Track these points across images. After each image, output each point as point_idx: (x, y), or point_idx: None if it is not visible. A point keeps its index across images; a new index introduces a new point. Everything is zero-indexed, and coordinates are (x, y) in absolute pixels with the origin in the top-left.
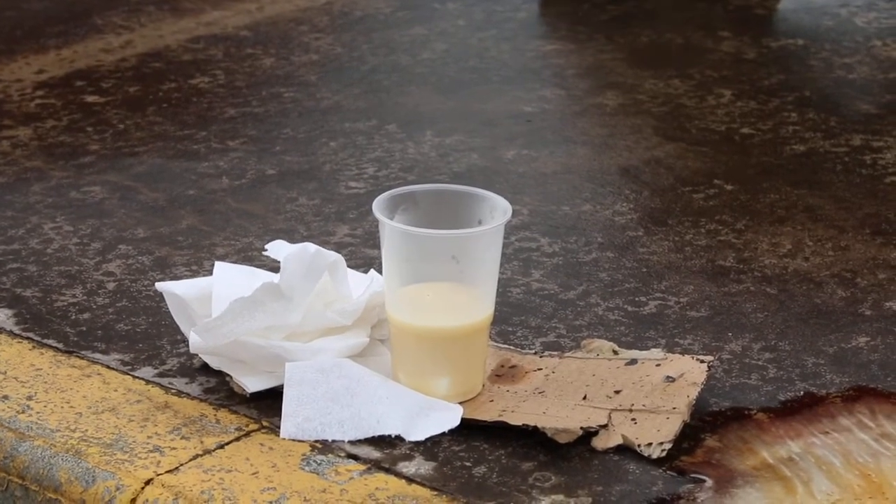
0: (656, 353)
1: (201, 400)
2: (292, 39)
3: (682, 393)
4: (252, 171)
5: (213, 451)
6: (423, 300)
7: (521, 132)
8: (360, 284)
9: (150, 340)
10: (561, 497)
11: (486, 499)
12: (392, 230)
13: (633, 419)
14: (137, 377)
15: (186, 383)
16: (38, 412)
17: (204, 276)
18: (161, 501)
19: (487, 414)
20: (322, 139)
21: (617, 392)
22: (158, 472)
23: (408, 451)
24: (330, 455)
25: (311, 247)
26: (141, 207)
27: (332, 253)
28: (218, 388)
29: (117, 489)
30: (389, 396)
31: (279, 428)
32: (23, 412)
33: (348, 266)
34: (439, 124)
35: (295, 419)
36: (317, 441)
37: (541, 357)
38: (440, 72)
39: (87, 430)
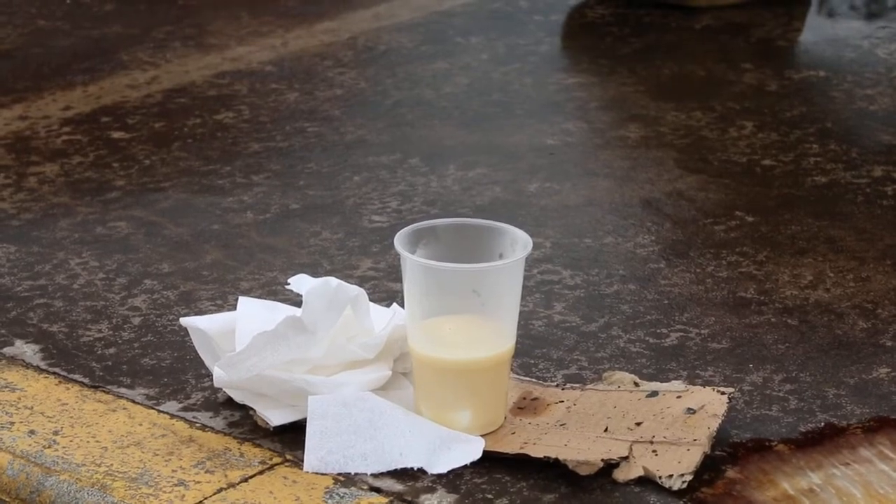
0: (677, 385)
1: (225, 434)
2: (316, 74)
3: (702, 424)
4: (276, 206)
5: (238, 484)
6: (444, 333)
7: (543, 165)
8: (383, 318)
9: (174, 375)
10: None
11: None
12: (413, 264)
13: (654, 451)
14: (162, 411)
15: (211, 417)
16: (64, 447)
17: (228, 310)
18: None
19: (509, 446)
20: (346, 173)
21: (638, 424)
22: None
23: (430, 484)
24: (353, 488)
25: (333, 281)
26: (166, 242)
27: (355, 287)
28: (242, 421)
29: None
30: (412, 429)
31: (302, 461)
32: (49, 447)
33: (371, 300)
34: (462, 158)
35: (318, 452)
36: (340, 474)
37: (562, 389)
38: (463, 105)
39: (112, 465)
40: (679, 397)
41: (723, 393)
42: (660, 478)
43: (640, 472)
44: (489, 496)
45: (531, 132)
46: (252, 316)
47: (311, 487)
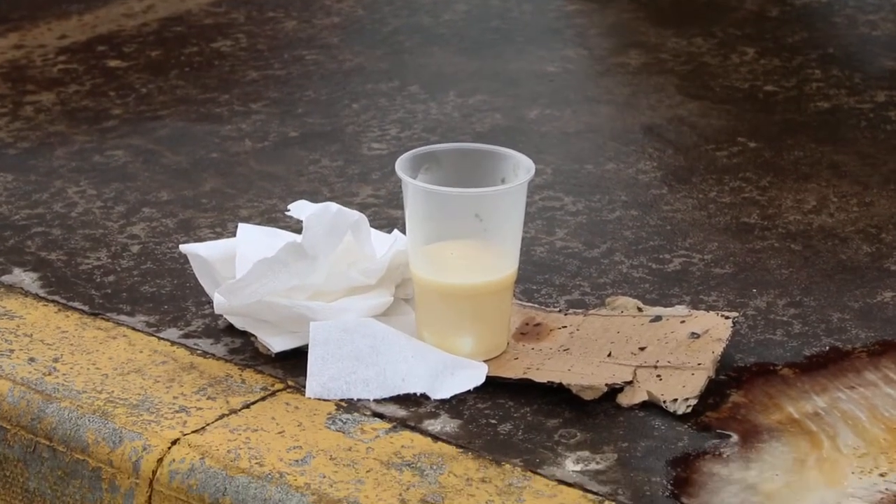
0: (681, 309)
1: (226, 360)
2: (314, 2)
3: (707, 349)
4: (275, 134)
5: (239, 410)
6: (446, 258)
7: (543, 92)
8: (384, 244)
9: (174, 302)
10: (586, 453)
11: (511, 456)
12: (415, 189)
13: (659, 375)
14: (163, 338)
15: (212, 344)
16: (64, 374)
17: (228, 237)
18: (188, 461)
19: (512, 371)
20: (344, 101)
21: (642, 349)
22: (185, 433)
23: (433, 410)
24: (355, 414)
25: (333, 206)
26: (164, 171)
27: (355, 212)
28: (243, 348)
29: (144, 449)
30: (414, 355)
31: (304, 387)
32: (49, 374)
33: (372, 227)
34: (462, 85)
35: (320, 378)
36: (342, 400)
37: (565, 315)
38: (462, 33)
39: (113, 392)
40: (683, 322)
41: (727, 317)
42: (664, 402)
43: (645, 397)
44: (493, 421)
45: (531, 59)
46: (252, 242)
47: (314, 413)
